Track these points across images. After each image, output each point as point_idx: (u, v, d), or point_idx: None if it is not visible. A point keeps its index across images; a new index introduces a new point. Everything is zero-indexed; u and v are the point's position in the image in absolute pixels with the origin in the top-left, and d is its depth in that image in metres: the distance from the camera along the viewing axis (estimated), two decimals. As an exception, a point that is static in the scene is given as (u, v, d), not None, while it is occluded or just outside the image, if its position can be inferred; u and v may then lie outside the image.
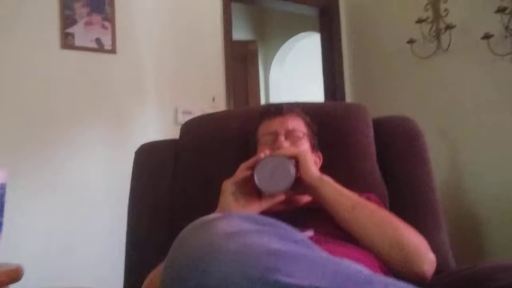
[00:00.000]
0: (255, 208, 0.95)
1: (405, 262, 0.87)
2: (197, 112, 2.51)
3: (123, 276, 1.24)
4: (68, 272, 2.22)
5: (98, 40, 2.49)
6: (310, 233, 0.93)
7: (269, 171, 0.90)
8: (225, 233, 0.54)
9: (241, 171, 0.95)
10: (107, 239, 2.27)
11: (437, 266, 0.92)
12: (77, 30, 2.43)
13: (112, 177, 2.40)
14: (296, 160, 0.97)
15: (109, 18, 2.52)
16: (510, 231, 2.49)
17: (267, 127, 1.14)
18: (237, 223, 0.57)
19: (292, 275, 0.48)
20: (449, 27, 2.79)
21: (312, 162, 1.01)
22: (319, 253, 0.55)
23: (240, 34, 4.70)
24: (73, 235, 2.31)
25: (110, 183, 2.41)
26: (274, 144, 1.08)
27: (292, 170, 0.91)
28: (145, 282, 0.94)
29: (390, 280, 0.52)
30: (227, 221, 0.57)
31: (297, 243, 0.55)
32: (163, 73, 2.74)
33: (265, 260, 0.50)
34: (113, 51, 2.53)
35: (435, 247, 1.06)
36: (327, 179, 0.97)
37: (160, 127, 2.64)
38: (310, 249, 0.56)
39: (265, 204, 0.96)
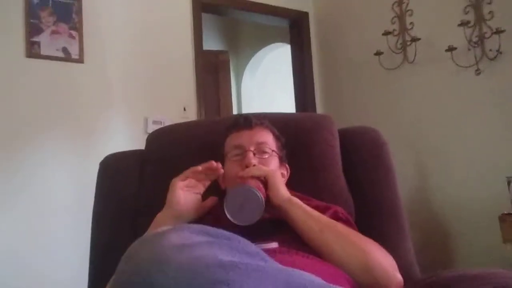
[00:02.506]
0: (200, 206, 1.01)
1: (373, 284, 0.87)
2: (168, 122, 2.49)
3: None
4: (32, 281, 2.15)
5: (65, 49, 2.45)
6: (274, 245, 0.92)
7: (238, 202, 0.90)
8: (174, 246, 0.54)
9: (190, 171, 1.00)
10: (71, 249, 2.23)
11: (402, 276, 0.92)
12: (43, 39, 2.39)
13: (78, 188, 2.36)
14: (265, 181, 0.98)
15: (77, 27, 2.49)
16: (473, 238, 2.55)
17: (235, 140, 1.13)
18: (187, 236, 0.56)
19: (241, 287, 0.48)
20: (414, 39, 2.86)
21: (281, 183, 1.02)
22: (273, 264, 0.55)
23: (211, 44, 4.70)
24: (36, 244, 2.25)
25: (76, 193, 2.36)
26: (242, 161, 1.07)
27: (261, 199, 0.90)
28: None
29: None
30: (177, 233, 0.57)
31: (250, 255, 0.55)
32: (132, 83, 2.72)
33: (215, 272, 0.49)
34: (80, 60, 2.49)
35: (400, 257, 1.08)
36: (296, 200, 0.98)
37: (129, 137, 2.60)
38: (263, 261, 0.55)
39: (207, 203, 1.02)
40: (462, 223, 2.62)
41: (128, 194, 1.24)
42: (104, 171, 1.30)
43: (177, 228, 0.59)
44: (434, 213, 2.79)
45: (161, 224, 0.93)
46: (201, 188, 1.03)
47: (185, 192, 0.99)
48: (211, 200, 1.04)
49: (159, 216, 1.00)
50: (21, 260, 2.19)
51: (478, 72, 2.59)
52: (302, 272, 0.54)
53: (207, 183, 1.04)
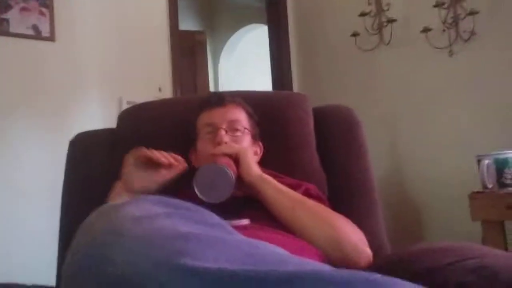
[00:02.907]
0: (159, 177, 0.97)
1: (342, 259, 0.88)
2: (142, 103, 2.45)
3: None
4: (2, 268, 2.12)
5: (35, 27, 2.37)
6: (245, 221, 0.92)
7: (208, 180, 0.89)
8: (132, 217, 0.52)
9: (143, 155, 0.95)
10: (44, 231, 2.17)
11: (372, 251, 0.94)
12: (12, 16, 2.31)
13: (50, 169, 2.30)
14: (237, 158, 0.97)
15: (47, 4, 2.41)
16: (443, 217, 2.61)
17: (207, 118, 1.12)
18: (147, 207, 0.55)
19: (201, 258, 0.47)
20: (390, 21, 2.87)
21: (252, 160, 1.02)
22: (236, 236, 0.54)
23: (187, 24, 4.63)
24: (8, 228, 2.20)
25: (47, 174, 2.30)
26: (214, 138, 1.06)
27: (232, 177, 0.90)
28: None
29: (307, 260, 0.52)
30: (135, 205, 0.55)
31: (212, 227, 0.54)
32: (106, 62, 2.66)
33: (173, 243, 0.48)
34: (51, 38, 2.42)
35: (371, 233, 1.10)
36: (267, 177, 0.98)
37: (103, 118, 2.55)
38: (225, 232, 0.54)
39: (170, 175, 0.98)
40: (433, 202, 2.68)
41: (98, 172, 1.22)
42: (74, 149, 1.28)
43: (136, 200, 0.58)
44: (406, 192, 2.84)
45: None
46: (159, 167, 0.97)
47: (139, 168, 0.96)
48: (175, 169, 0.99)
49: (115, 186, 0.99)
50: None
51: (451, 53, 2.62)
52: (266, 243, 0.53)
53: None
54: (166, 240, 0.48)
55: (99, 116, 2.56)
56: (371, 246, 0.94)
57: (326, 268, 0.48)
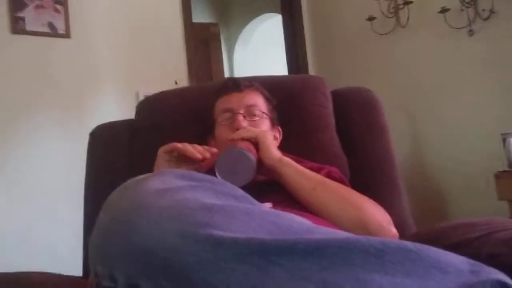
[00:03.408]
0: (191, 169, 0.92)
1: None
2: (159, 96, 2.46)
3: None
4: (28, 259, 2.15)
5: (50, 24, 2.40)
6: (268, 205, 0.91)
7: (229, 164, 0.88)
8: (156, 190, 0.52)
9: (176, 148, 0.92)
10: (66, 225, 2.21)
11: (398, 232, 0.92)
12: (28, 14, 2.33)
13: (69, 163, 2.33)
14: (256, 142, 0.96)
15: (61, 1, 2.43)
16: (468, 197, 2.56)
17: (224, 103, 1.11)
18: (170, 180, 0.54)
19: (227, 229, 0.46)
20: (406, 3, 2.81)
21: (272, 144, 1.00)
22: (261, 208, 0.54)
23: (201, 17, 4.62)
24: (28, 223, 2.23)
25: (67, 169, 2.34)
26: (232, 124, 1.05)
27: (253, 160, 0.89)
28: None
29: (334, 230, 0.51)
30: (159, 178, 0.55)
31: (237, 198, 0.54)
32: (121, 57, 2.67)
33: (198, 214, 0.48)
34: (67, 35, 2.44)
35: (396, 214, 1.08)
36: (287, 160, 0.96)
37: (121, 112, 2.56)
38: (250, 204, 0.54)
39: (201, 169, 0.93)
40: (457, 183, 2.63)
41: (119, 163, 1.23)
42: (94, 141, 1.29)
43: (159, 173, 0.57)
44: (429, 174, 2.80)
45: None
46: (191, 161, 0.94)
47: (172, 162, 0.92)
48: (206, 165, 0.95)
49: None
50: (16, 238, 2.18)
51: (471, 32, 2.56)
52: (291, 214, 0.52)
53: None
54: (191, 211, 0.48)
55: (117, 111, 2.57)
56: (396, 226, 0.93)
57: (355, 236, 0.47)
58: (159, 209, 0.49)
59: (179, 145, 0.91)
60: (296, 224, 0.49)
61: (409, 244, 0.45)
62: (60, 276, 0.75)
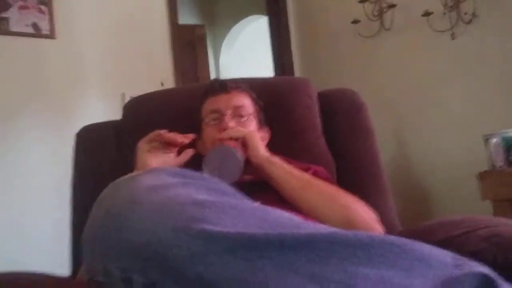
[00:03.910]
0: (173, 162, 0.97)
1: None
2: (144, 97, 2.45)
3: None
4: (15, 261, 2.13)
5: (34, 25, 2.37)
6: (257, 204, 0.92)
7: (217, 162, 0.89)
8: (147, 187, 0.53)
9: (154, 134, 0.95)
10: (50, 226, 2.20)
11: (384, 232, 0.94)
12: (12, 14, 2.31)
13: (55, 165, 2.31)
14: (244, 142, 0.96)
15: (46, 2, 2.41)
16: (452, 198, 2.61)
17: (212, 104, 1.11)
18: (161, 177, 0.55)
19: (218, 224, 0.47)
20: (391, 6, 2.85)
21: (260, 143, 1.01)
22: (250, 204, 0.55)
23: (187, 18, 4.62)
24: (15, 224, 2.21)
25: (53, 170, 2.32)
26: (220, 124, 1.06)
27: (241, 159, 0.90)
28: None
29: (321, 225, 0.52)
30: (151, 175, 0.56)
31: (227, 195, 0.55)
32: (107, 59, 2.66)
33: (190, 210, 0.49)
34: (51, 36, 2.42)
35: (382, 214, 1.09)
36: (275, 159, 0.97)
37: (106, 114, 2.54)
38: (240, 200, 0.55)
39: (182, 159, 0.98)
40: (441, 184, 2.67)
41: (105, 163, 1.22)
42: (80, 142, 1.28)
43: (151, 171, 0.58)
44: (413, 175, 2.84)
45: None
46: (171, 148, 0.98)
47: (154, 153, 0.95)
48: (186, 154, 1.00)
49: None
50: (4, 239, 2.16)
51: (453, 36, 2.61)
52: (280, 210, 0.53)
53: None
54: (183, 207, 0.49)
55: (102, 112, 2.55)
56: (382, 226, 0.94)
57: (342, 231, 0.48)
58: (152, 205, 0.50)
59: (158, 132, 0.94)
60: (285, 219, 0.51)
61: (394, 238, 0.46)
62: (47, 277, 0.75)
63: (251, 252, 0.45)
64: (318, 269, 0.44)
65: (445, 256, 0.47)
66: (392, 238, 0.46)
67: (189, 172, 0.58)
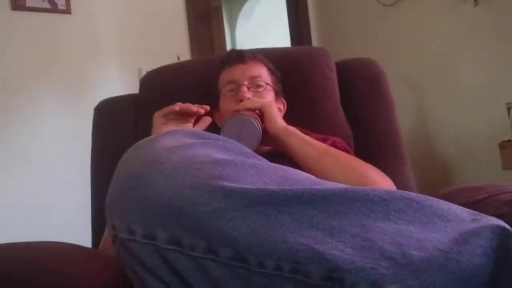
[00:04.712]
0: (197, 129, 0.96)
1: None
2: (161, 71, 2.45)
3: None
4: (37, 236, 2.19)
5: (51, 0, 2.37)
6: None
7: (235, 131, 0.89)
8: (167, 147, 0.54)
9: (168, 109, 0.95)
10: (69, 202, 2.25)
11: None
12: (28, -10, 2.31)
13: (74, 139, 2.35)
14: (261, 112, 0.96)
15: (61, -24, 2.40)
16: (473, 167, 2.57)
17: (228, 75, 1.11)
18: (180, 138, 0.57)
19: (238, 181, 0.48)
20: (411, -29, 2.77)
21: (277, 113, 1.01)
22: (269, 163, 0.56)
23: (202, -9, 4.56)
24: (34, 201, 2.25)
25: (71, 144, 2.35)
26: (237, 95, 1.06)
27: (259, 127, 0.90)
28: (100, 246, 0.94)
29: (337, 184, 0.53)
30: (170, 137, 0.57)
31: (246, 155, 0.56)
32: (123, 33, 2.65)
33: (210, 168, 0.50)
34: (67, 11, 2.42)
35: (400, 182, 1.09)
36: (292, 129, 0.97)
37: (123, 88, 2.55)
38: (259, 160, 0.56)
39: (200, 127, 0.98)
40: (462, 153, 2.64)
41: (124, 137, 1.23)
42: (99, 116, 1.29)
43: (170, 132, 0.59)
44: (434, 145, 2.80)
45: None
46: (188, 119, 0.98)
47: (169, 125, 0.95)
48: (204, 122, 1.00)
49: None
50: (25, 214, 2.21)
51: (476, 3, 2.53)
52: (299, 170, 0.54)
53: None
54: (203, 165, 0.51)
55: (119, 87, 2.57)
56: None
57: (360, 187, 0.49)
58: (172, 164, 0.51)
59: (173, 106, 0.94)
60: (303, 177, 0.52)
61: (412, 194, 0.47)
62: (70, 246, 0.77)
63: (270, 207, 0.46)
64: (336, 223, 0.45)
65: (462, 211, 0.48)
66: (410, 193, 0.47)
67: (206, 134, 0.60)
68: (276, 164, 0.55)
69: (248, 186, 0.48)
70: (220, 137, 0.60)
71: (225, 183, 0.48)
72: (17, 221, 2.18)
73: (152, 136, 0.60)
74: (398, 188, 0.95)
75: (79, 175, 2.16)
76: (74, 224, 2.17)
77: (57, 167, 2.34)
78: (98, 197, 1.25)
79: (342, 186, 0.51)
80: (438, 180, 2.69)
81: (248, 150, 0.58)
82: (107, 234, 0.89)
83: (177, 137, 0.57)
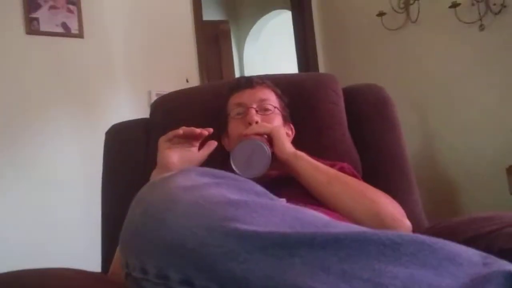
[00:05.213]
0: (196, 158, 0.97)
1: None
2: (171, 94, 2.48)
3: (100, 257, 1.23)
4: (40, 258, 2.20)
5: (64, 25, 2.43)
6: (283, 201, 0.93)
7: (245, 155, 0.90)
8: (182, 187, 0.55)
9: (172, 133, 0.95)
10: (78, 221, 2.26)
11: (412, 226, 0.93)
12: (42, 14, 2.37)
13: (85, 162, 2.38)
14: (270, 137, 0.97)
15: (75, 1, 2.46)
16: (480, 192, 2.56)
17: (237, 98, 1.12)
18: (194, 178, 0.57)
19: (251, 223, 0.48)
20: (417, -3, 2.80)
21: (286, 138, 1.01)
22: (281, 203, 0.56)
23: (211, 14, 4.64)
24: (43, 219, 2.28)
25: (83, 167, 2.38)
26: (245, 118, 1.07)
27: (268, 152, 0.90)
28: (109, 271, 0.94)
29: (351, 224, 0.53)
30: (184, 176, 0.58)
31: (258, 195, 0.56)
32: (133, 56, 2.70)
33: (224, 209, 0.50)
34: (80, 35, 2.48)
35: (408, 208, 1.08)
36: (301, 154, 0.97)
37: (133, 110, 2.60)
38: (271, 200, 0.56)
39: (205, 152, 0.99)
40: (469, 178, 2.62)
41: (136, 161, 1.25)
42: (110, 140, 1.31)
43: (183, 171, 0.60)
44: (441, 169, 2.79)
45: None
46: (192, 142, 0.98)
47: (174, 150, 0.95)
48: (209, 146, 1.00)
49: (154, 174, 0.97)
50: (29, 236, 2.22)
51: (482, 27, 2.55)
52: (311, 210, 0.54)
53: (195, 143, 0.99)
54: (217, 206, 0.51)
55: (130, 110, 2.61)
56: (409, 220, 0.94)
57: (372, 230, 0.49)
58: (187, 204, 0.52)
59: (177, 130, 0.95)
60: (315, 218, 0.52)
61: (423, 237, 0.46)
62: (78, 273, 0.77)
63: (282, 250, 0.46)
64: (348, 267, 0.44)
65: (474, 254, 0.47)
66: (421, 237, 0.47)
67: (218, 172, 0.60)
68: (288, 204, 0.56)
69: (260, 229, 0.48)
70: (233, 175, 0.60)
71: (239, 225, 0.48)
72: (18, 234, 2.19)
73: (167, 174, 0.61)
74: (407, 213, 0.95)
75: (88, 197, 2.20)
76: (81, 243, 2.18)
77: (68, 189, 2.37)
78: (108, 220, 1.25)
79: (354, 228, 0.50)
80: (445, 204, 2.68)
81: (261, 189, 0.58)
82: (118, 258, 0.90)
83: (191, 177, 0.57)
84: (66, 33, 2.43)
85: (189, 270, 0.49)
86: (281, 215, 0.51)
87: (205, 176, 0.58)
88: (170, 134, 0.96)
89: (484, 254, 0.47)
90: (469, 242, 0.70)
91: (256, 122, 1.04)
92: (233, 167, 0.89)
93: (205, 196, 0.53)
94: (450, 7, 2.60)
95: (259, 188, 0.58)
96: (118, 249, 0.91)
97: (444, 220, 0.91)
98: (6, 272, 0.63)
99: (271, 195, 0.58)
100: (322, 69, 3.53)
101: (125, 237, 0.56)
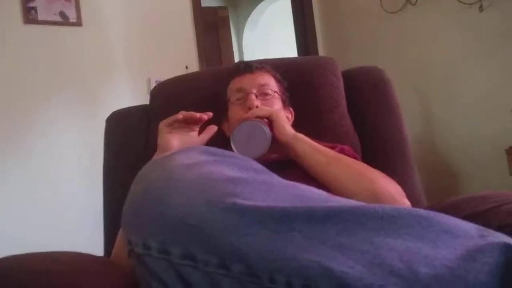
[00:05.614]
0: (195, 142, 0.98)
1: None
2: (170, 81, 2.48)
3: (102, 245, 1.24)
4: (42, 247, 2.22)
5: (62, 13, 2.42)
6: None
7: (245, 136, 0.90)
8: (182, 165, 0.56)
9: (172, 118, 0.96)
10: (84, 210, 2.27)
11: (411, 206, 0.94)
12: (39, 4, 2.36)
13: (85, 150, 2.38)
14: (270, 120, 0.97)
15: (72, -10, 2.45)
16: (480, 174, 2.56)
17: (237, 84, 1.13)
18: (194, 156, 0.58)
19: (250, 199, 0.49)
20: (416, -21, 2.78)
21: (285, 121, 1.01)
22: (280, 180, 0.57)
23: (210, 1, 4.61)
24: (45, 211, 2.29)
25: (84, 155, 2.39)
26: (245, 103, 1.07)
27: (268, 133, 0.91)
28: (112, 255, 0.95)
29: (346, 199, 0.54)
30: (184, 154, 0.59)
31: (258, 172, 0.57)
32: (132, 44, 2.69)
33: (223, 186, 0.51)
34: (78, 23, 2.47)
35: (408, 191, 1.09)
36: (301, 136, 0.98)
37: (133, 98, 2.60)
38: (270, 176, 0.57)
39: (205, 136, 0.99)
40: (469, 159, 2.63)
41: (136, 147, 1.25)
42: (111, 127, 1.31)
43: (184, 150, 0.61)
44: (440, 151, 2.80)
45: None
46: (192, 127, 0.98)
47: (175, 134, 0.96)
48: (209, 130, 1.01)
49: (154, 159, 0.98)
50: (33, 225, 2.24)
51: (481, 8, 2.53)
52: (309, 187, 0.55)
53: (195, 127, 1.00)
54: (216, 183, 0.52)
55: (130, 98, 2.61)
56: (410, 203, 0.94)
57: (369, 204, 0.50)
58: (187, 181, 0.53)
59: (177, 114, 0.95)
60: (313, 194, 0.53)
61: (420, 211, 0.47)
62: (88, 256, 0.78)
63: (281, 224, 0.47)
64: (346, 240, 0.45)
65: (470, 227, 0.48)
66: (419, 210, 0.48)
67: (219, 150, 0.61)
68: (286, 181, 0.57)
69: (259, 204, 0.49)
70: (232, 153, 0.61)
71: (238, 201, 0.49)
72: (25, 229, 2.21)
73: (168, 153, 0.62)
74: (407, 194, 0.96)
75: (88, 186, 2.21)
76: (81, 234, 2.19)
77: (67, 178, 2.38)
78: (109, 207, 1.26)
79: (352, 202, 0.51)
80: (445, 186, 2.69)
81: (260, 166, 0.59)
82: (120, 241, 0.91)
83: (192, 155, 0.58)
84: (64, 21, 2.42)
85: (190, 245, 0.50)
86: (280, 191, 0.52)
87: (204, 154, 0.59)
88: (170, 118, 0.96)
89: (480, 227, 0.48)
90: (466, 219, 0.71)
91: (256, 107, 1.04)
92: (233, 147, 0.90)
93: (205, 173, 0.54)
94: (449, -12, 2.58)
95: (258, 165, 0.59)
96: (119, 233, 0.92)
97: (443, 201, 0.91)
98: (13, 255, 0.64)
99: (270, 172, 0.59)
100: (321, 53, 3.51)
101: (127, 214, 0.57)
